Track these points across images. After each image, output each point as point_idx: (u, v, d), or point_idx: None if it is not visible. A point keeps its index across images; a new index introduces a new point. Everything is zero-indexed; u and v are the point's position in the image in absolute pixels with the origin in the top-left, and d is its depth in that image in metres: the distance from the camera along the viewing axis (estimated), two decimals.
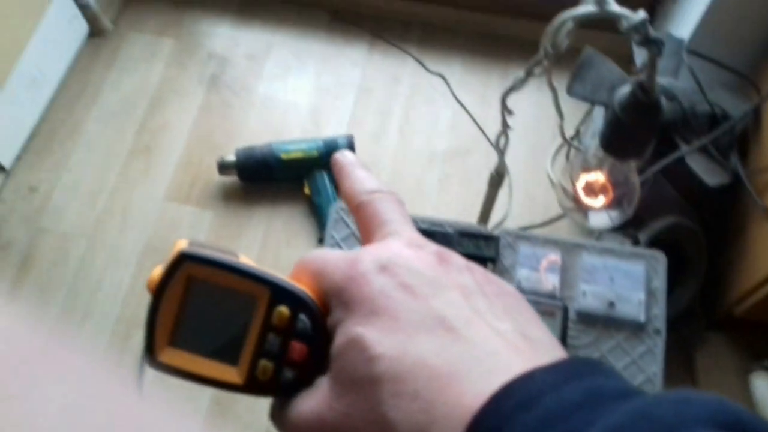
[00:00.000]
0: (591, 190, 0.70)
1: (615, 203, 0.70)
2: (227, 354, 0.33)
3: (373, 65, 1.70)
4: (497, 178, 0.96)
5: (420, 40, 1.72)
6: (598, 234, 1.24)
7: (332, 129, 1.60)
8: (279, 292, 0.32)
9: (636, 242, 1.18)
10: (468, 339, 0.28)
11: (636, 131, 0.65)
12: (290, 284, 0.33)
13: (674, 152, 1.20)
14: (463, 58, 1.70)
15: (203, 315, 0.34)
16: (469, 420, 0.25)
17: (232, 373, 0.33)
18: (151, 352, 0.33)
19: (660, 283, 0.77)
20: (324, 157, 1.47)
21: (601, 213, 0.73)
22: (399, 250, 0.31)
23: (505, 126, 0.81)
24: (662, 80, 1.26)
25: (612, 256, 0.79)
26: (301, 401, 0.31)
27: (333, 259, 0.32)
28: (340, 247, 0.81)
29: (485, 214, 1.06)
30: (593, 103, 1.33)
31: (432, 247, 0.32)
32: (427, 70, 1.68)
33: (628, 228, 1.22)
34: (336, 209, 0.83)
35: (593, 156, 0.68)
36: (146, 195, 1.52)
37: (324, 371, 0.31)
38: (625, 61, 1.46)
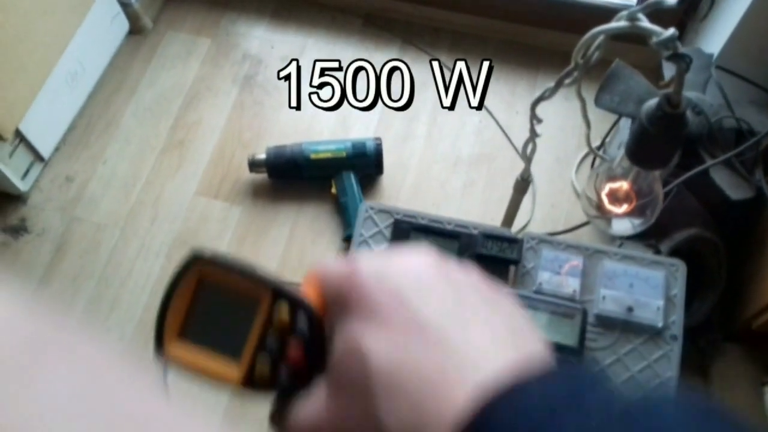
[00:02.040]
0: (615, 197, 0.72)
1: (638, 211, 0.72)
2: (230, 351, 0.35)
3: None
4: (523, 184, 0.98)
5: (450, 46, 1.75)
6: (620, 243, 1.26)
7: (360, 131, 1.63)
8: (280, 294, 0.34)
9: (657, 252, 1.19)
10: (457, 339, 0.29)
11: (661, 142, 0.67)
12: (292, 287, 0.35)
13: (699, 165, 1.22)
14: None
15: (210, 313, 0.36)
16: (459, 422, 0.26)
17: (233, 370, 0.34)
18: (159, 344, 0.35)
19: (679, 290, 0.79)
20: (352, 158, 1.50)
21: (623, 220, 0.75)
22: (396, 258, 0.33)
23: (533, 133, 0.84)
24: (690, 95, 1.28)
25: (633, 263, 0.81)
26: (300, 404, 0.32)
27: (334, 267, 0.34)
28: (368, 245, 0.83)
29: (509, 219, 1.09)
30: (620, 114, 1.35)
31: (429, 255, 0.34)
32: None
33: (650, 238, 1.23)
34: (366, 208, 0.86)
35: (619, 165, 0.70)
36: (178, 189, 1.56)
37: (320, 372, 0.33)
38: (654, 75, 1.47)
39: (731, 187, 1.21)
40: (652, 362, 0.75)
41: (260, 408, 1.31)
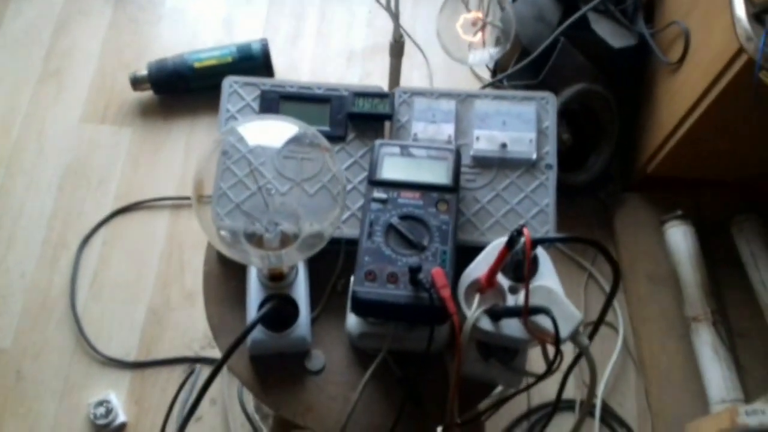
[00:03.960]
0: (469, 28, 0.71)
1: (492, 39, 0.71)
2: None
3: None
4: (396, 47, 0.96)
5: None
6: None
7: (247, 37, 1.56)
8: None
9: None
10: None
11: None
12: None
13: (581, 21, 1.21)
14: None
15: None
16: None
17: None
18: None
19: (551, 122, 0.79)
20: (238, 62, 1.44)
21: (480, 51, 0.74)
22: None
23: None
24: None
25: (504, 102, 0.80)
26: None
27: None
28: (236, 119, 0.80)
29: (393, 86, 1.06)
30: None
31: None
32: None
33: None
34: (229, 83, 0.82)
35: None
36: (61, 119, 1.48)
37: None
38: None
39: (613, 36, 1.22)
40: (530, 193, 0.76)
41: (178, 317, 1.29)
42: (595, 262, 1.32)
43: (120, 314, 1.29)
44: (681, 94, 1.12)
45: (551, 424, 1.16)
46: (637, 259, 1.28)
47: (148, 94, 1.48)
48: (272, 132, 0.62)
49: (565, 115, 1.24)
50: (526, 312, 0.60)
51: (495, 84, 1.27)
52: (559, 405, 0.73)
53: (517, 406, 1.23)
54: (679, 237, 1.22)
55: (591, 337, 0.71)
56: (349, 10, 1.62)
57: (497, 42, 0.72)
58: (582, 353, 0.65)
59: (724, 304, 1.21)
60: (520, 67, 1.24)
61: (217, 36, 1.57)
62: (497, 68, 1.41)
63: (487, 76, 1.46)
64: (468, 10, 0.68)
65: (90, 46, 1.56)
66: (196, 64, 1.43)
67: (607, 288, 1.30)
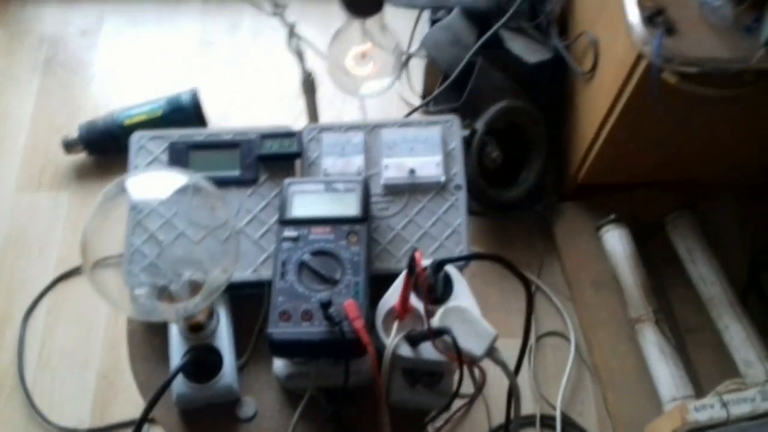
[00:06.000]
0: (360, 60, 0.72)
1: (383, 69, 0.72)
2: None
3: (210, 17, 1.68)
4: (308, 84, 0.97)
5: None
6: None
7: (179, 88, 1.57)
8: None
9: (473, 132, 1.22)
10: None
11: None
12: None
13: (495, 40, 1.24)
14: None
15: None
16: None
17: None
18: None
19: (456, 143, 0.80)
20: (169, 115, 1.45)
21: (371, 82, 0.75)
22: None
23: (291, 27, 0.82)
24: None
25: (410, 128, 0.81)
26: None
27: None
28: None
29: (312, 123, 1.07)
30: (418, 7, 1.36)
31: None
32: (265, 12, 1.66)
33: (464, 119, 1.25)
34: (137, 137, 0.82)
35: (352, 26, 0.69)
36: None
37: None
38: None
39: (527, 52, 1.24)
40: (442, 215, 0.77)
41: (130, 378, 1.26)
42: (541, 274, 1.33)
43: (70, 382, 1.27)
44: (597, 103, 1.14)
45: None
46: (580, 266, 1.30)
47: (82, 156, 1.48)
48: (159, 183, 0.62)
49: (492, 133, 1.26)
50: (431, 334, 0.60)
51: (421, 109, 1.29)
52: (509, 425, 0.73)
53: (478, 427, 1.22)
54: (615, 240, 1.24)
55: (521, 355, 0.70)
56: (277, 54, 1.62)
57: (387, 70, 0.73)
58: (504, 370, 0.65)
59: (669, 302, 1.22)
60: (443, 91, 1.26)
61: (149, 90, 1.57)
62: (425, 94, 1.44)
63: (418, 102, 1.48)
64: (362, 41, 0.70)
65: (20, 114, 1.55)
66: (126, 122, 1.43)
67: (556, 299, 1.31)
